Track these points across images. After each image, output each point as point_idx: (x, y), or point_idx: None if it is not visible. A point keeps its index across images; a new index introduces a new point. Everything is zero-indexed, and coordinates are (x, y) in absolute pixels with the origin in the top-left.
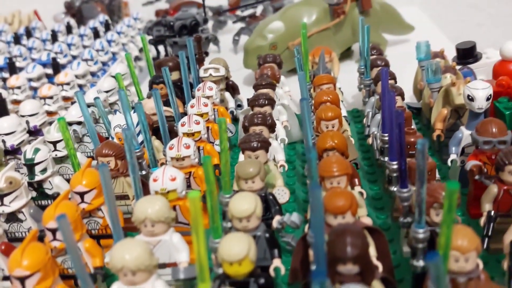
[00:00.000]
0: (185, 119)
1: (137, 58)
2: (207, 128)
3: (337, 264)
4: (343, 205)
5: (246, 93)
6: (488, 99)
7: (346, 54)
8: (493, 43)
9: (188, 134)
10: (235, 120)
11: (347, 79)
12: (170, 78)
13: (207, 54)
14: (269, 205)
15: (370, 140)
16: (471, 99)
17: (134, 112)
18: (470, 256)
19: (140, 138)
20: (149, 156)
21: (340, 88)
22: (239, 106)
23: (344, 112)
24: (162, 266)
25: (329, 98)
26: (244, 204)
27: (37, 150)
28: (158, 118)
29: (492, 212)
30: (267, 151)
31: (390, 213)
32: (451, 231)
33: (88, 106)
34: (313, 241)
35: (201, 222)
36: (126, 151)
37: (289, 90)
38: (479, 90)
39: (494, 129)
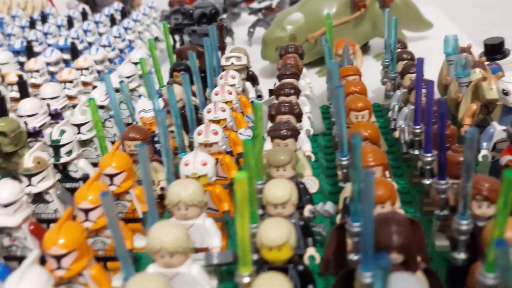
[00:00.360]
0: (210, 105)
1: None
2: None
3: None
4: (383, 194)
5: (265, 84)
6: None
7: (364, 49)
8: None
9: (213, 121)
10: None
11: (366, 73)
12: (196, 64)
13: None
14: (301, 194)
15: (397, 134)
16: (506, 93)
17: (159, 97)
18: None
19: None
20: (178, 141)
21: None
22: (259, 96)
23: None
24: (195, 250)
25: (357, 89)
26: (281, 190)
27: (63, 132)
28: (186, 104)
29: None
30: (296, 139)
31: (420, 206)
32: (505, 221)
33: None
34: (355, 230)
35: (246, 205)
36: (160, 134)
37: (309, 82)
38: None
39: None
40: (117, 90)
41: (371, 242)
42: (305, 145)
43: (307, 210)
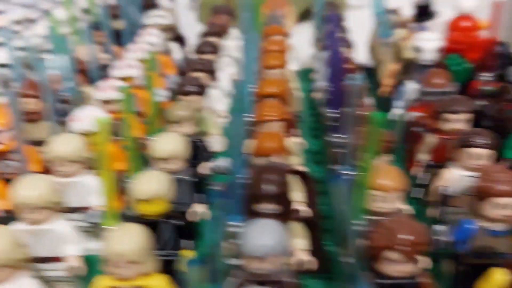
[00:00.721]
0: (118, 63)
1: None
2: None
3: (255, 203)
4: (269, 147)
5: None
6: (436, 51)
7: (306, 16)
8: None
9: (121, 79)
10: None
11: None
12: (109, 23)
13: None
14: (200, 151)
15: (317, 95)
16: (419, 50)
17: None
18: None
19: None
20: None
21: (293, 45)
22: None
23: (294, 67)
24: (76, 210)
25: (276, 48)
26: (165, 144)
27: None
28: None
29: (429, 161)
30: (201, 96)
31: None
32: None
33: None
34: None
35: (107, 155)
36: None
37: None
38: (428, 41)
39: (439, 80)
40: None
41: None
42: (219, 104)
43: (203, 167)
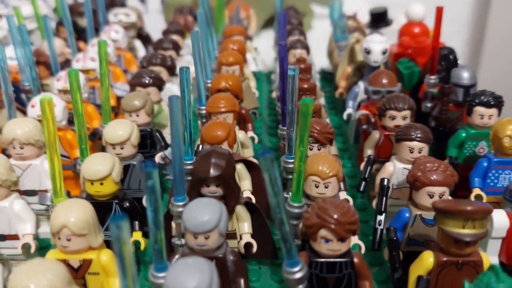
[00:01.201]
0: (80, 55)
1: None
2: None
3: (200, 186)
4: (219, 135)
5: None
6: (384, 53)
7: (271, 22)
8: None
9: (82, 71)
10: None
11: (269, 45)
12: (69, 19)
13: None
14: (155, 141)
15: (274, 94)
16: (368, 52)
17: None
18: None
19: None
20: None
21: (256, 49)
22: None
23: (253, 68)
24: (32, 193)
25: (235, 47)
26: (119, 130)
27: None
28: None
29: (372, 156)
30: (160, 89)
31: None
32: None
33: None
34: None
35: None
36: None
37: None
38: (376, 43)
39: (384, 80)
40: None
41: (181, 175)
42: None
43: (158, 156)
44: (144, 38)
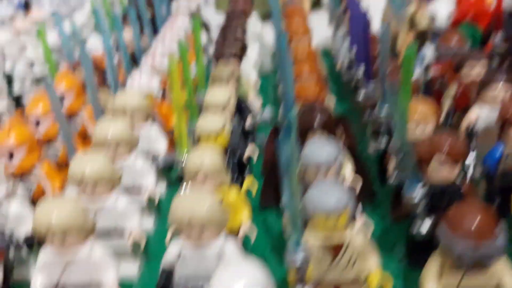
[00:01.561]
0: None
1: None
2: None
3: (307, 134)
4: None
5: None
6: (448, 17)
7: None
8: None
9: None
10: None
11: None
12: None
13: None
14: (244, 110)
15: (338, 66)
16: (432, 18)
17: None
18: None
19: None
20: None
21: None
22: None
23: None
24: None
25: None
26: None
27: None
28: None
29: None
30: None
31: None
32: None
33: None
34: None
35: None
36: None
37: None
38: (441, 8)
39: (456, 38)
40: None
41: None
42: (250, 75)
43: (248, 121)
44: (205, 27)
